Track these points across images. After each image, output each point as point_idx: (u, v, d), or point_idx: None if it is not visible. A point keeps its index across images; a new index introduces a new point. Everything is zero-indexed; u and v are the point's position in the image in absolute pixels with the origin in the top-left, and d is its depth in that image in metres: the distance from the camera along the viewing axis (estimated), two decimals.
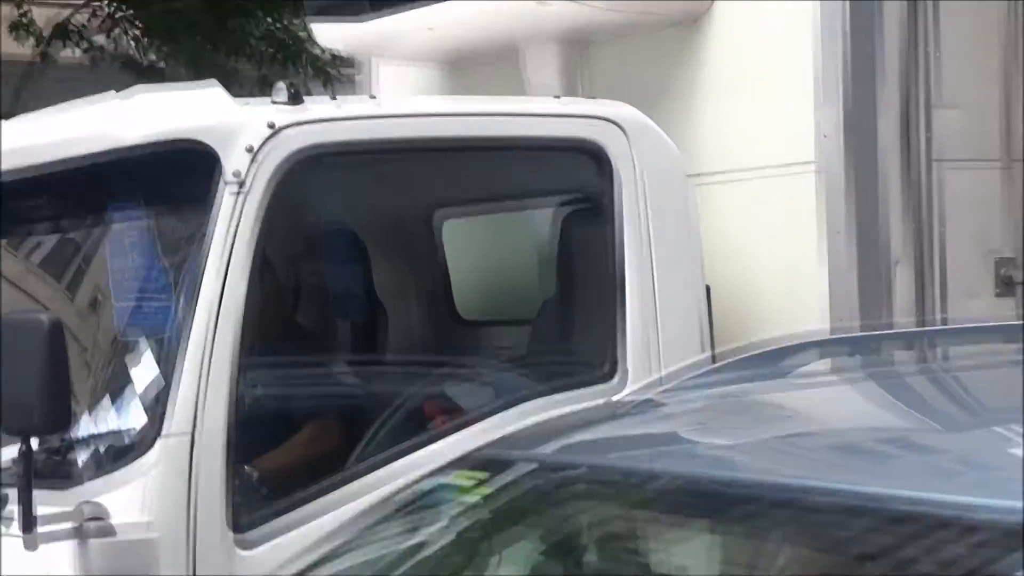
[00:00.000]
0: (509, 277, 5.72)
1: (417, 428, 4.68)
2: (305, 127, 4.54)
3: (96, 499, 4.21)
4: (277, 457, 4.65)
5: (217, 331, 4.32)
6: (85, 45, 12.47)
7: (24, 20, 12.32)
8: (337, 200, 5.31)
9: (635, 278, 4.93)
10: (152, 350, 4.44)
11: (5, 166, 4.65)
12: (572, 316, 5.16)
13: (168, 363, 4.33)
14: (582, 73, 5.90)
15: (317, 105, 4.72)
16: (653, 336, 4.93)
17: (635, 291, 4.93)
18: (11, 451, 4.41)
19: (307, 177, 4.59)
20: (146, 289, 4.62)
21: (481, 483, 3.05)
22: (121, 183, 4.58)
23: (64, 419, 4.15)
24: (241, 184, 4.39)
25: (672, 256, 5.02)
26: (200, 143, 4.42)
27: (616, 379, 4.87)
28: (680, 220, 5.07)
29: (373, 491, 4.36)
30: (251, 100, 4.79)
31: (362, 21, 5.87)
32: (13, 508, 4.16)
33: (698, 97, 5.55)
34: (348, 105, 4.91)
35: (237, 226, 4.38)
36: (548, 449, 3.12)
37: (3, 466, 4.45)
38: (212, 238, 4.36)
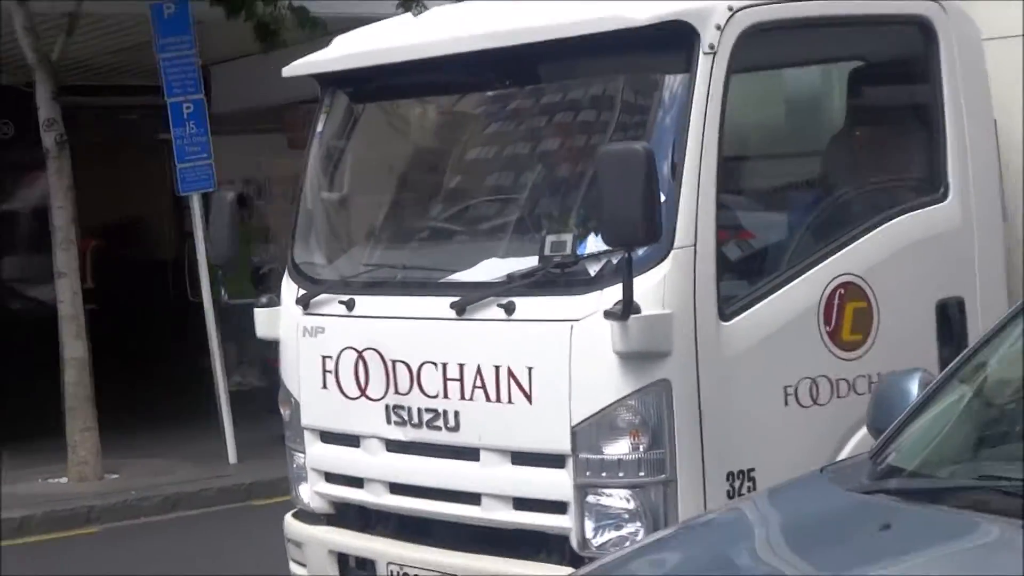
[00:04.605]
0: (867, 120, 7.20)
1: (831, 238, 6.29)
2: (752, 9, 6.05)
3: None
4: (741, 260, 6.23)
5: (702, 168, 5.87)
6: None
7: None
8: (780, 61, 6.85)
9: (952, 118, 6.56)
10: (651, 187, 5.82)
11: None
12: (912, 147, 6.81)
13: (673, 197, 5.82)
14: None
15: None
16: (964, 161, 6.60)
17: (953, 128, 6.56)
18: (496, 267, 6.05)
19: (757, 46, 6.07)
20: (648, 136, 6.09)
21: None
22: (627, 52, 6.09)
23: (658, 232, 5.58)
24: (714, 53, 5.91)
25: (973, 101, 6.63)
26: (687, 23, 5.92)
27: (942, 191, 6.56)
28: (977, 71, 6.68)
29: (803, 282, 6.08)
30: None
31: None
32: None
33: None
34: None
35: (710, 82, 5.90)
36: None
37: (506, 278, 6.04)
38: (694, 91, 5.89)
